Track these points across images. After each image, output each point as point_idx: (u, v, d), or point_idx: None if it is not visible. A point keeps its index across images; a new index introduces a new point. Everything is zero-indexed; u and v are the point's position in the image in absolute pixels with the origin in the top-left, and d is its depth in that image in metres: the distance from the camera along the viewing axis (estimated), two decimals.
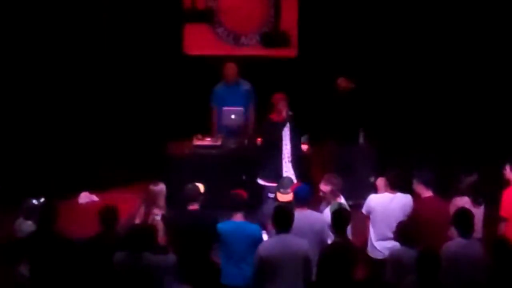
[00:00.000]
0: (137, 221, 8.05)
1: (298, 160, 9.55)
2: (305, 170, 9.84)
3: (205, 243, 7.84)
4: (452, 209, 7.90)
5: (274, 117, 9.53)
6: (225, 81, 10.63)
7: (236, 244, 7.64)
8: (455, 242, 7.38)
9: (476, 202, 8.13)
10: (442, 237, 7.65)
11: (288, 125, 9.46)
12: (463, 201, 8.10)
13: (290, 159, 9.47)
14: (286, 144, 9.47)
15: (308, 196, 8.00)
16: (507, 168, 8.27)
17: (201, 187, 8.14)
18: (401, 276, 7.06)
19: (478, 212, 8.08)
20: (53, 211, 7.60)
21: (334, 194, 8.23)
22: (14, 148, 10.56)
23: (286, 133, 9.48)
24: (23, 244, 7.51)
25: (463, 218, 7.46)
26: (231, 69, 10.59)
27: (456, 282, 7.14)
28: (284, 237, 7.24)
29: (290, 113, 9.49)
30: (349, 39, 11.71)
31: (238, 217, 7.76)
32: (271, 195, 9.18)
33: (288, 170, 9.48)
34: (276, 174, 9.38)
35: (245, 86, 10.66)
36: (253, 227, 7.74)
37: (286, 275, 7.14)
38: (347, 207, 8.12)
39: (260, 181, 9.60)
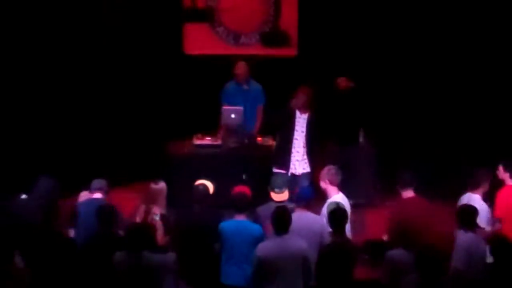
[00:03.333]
0: (137, 220, 8.05)
1: (310, 153, 9.75)
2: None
3: (207, 242, 7.84)
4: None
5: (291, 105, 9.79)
6: (235, 80, 10.59)
7: (238, 244, 7.64)
8: (466, 236, 7.42)
9: (485, 197, 8.20)
10: (424, 237, 7.62)
11: (305, 116, 9.68)
12: (473, 197, 8.18)
13: (304, 150, 9.73)
14: (298, 134, 9.72)
15: (310, 198, 8.02)
16: (500, 168, 8.29)
17: (210, 185, 8.15)
18: (395, 277, 7.08)
19: (488, 207, 8.16)
20: (53, 210, 7.61)
21: (330, 182, 8.26)
22: (15, 148, 10.56)
23: (301, 123, 9.70)
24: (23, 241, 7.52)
25: (465, 213, 7.56)
26: (241, 68, 10.54)
27: (472, 273, 7.23)
28: (282, 237, 7.23)
29: (299, 105, 9.68)
30: (349, 39, 11.71)
31: (241, 216, 7.77)
32: None
33: (299, 159, 9.76)
34: (284, 161, 9.64)
35: (256, 86, 10.61)
36: (254, 226, 7.73)
37: (285, 275, 7.14)
38: (348, 204, 8.14)
39: (273, 168, 9.77)
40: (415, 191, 8.29)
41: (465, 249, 7.35)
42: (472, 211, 7.60)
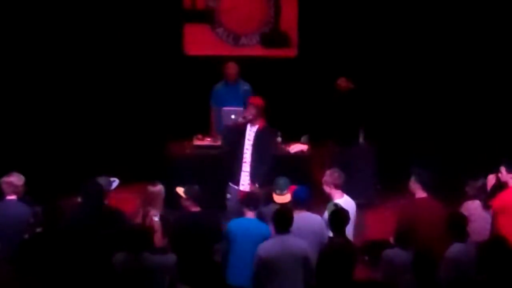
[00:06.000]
0: (136, 221, 8.04)
1: (266, 163, 9.23)
2: (304, 171, 9.89)
3: (208, 244, 7.84)
4: (463, 213, 7.81)
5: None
6: (225, 80, 10.63)
7: (246, 243, 7.60)
8: (455, 248, 7.28)
9: (486, 205, 8.07)
10: (436, 238, 7.59)
11: (254, 129, 9.30)
12: (474, 205, 8.09)
13: (250, 164, 9.28)
14: (247, 149, 9.32)
15: (306, 198, 8.00)
16: (502, 170, 8.10)
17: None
18: (393, 277, 7.07)
19: (488, 216, 8.05)
20: (55, 211, 7.63)
21: (334, 186, 8.19)
22: (15, 148, 10.57)
23: (251, 136, 9.34)
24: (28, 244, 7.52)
25: (456, 223, 7.40)
26: (232, 68, 10.59)
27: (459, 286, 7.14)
28: (283, 237, 7.24)
29: (250, 117, 9.28)
30: (349, 39, 11.71)
31: (250, 215, 7.78)
32: (229, 196, 9.25)
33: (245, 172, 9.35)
34: (233, 176, 9.34)
35: (245, 86, 10.63)
36: (264, 226, 7.73)
37: (286, 275, 7.15)
38: (353, 206, 8.12)
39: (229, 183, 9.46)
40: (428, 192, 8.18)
41: (452, 261, 7.16)
42: (460, 220, 7.41)
